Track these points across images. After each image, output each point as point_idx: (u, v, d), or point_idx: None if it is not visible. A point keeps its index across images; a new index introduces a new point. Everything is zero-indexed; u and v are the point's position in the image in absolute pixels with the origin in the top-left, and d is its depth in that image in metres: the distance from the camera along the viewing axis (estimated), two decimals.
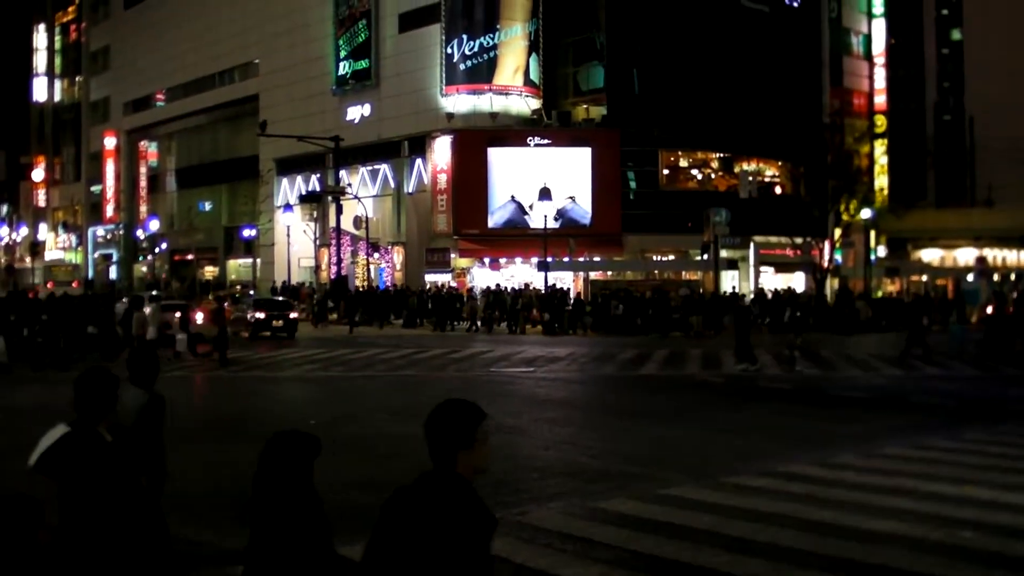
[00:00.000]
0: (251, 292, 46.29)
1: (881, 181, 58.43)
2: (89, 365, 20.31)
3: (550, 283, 42.33)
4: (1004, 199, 58.59)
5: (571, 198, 46.42)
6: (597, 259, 47.31)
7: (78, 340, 24.80)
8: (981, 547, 8.03)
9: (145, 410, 6.07)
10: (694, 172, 50.12)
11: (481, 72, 48.15)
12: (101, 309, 28.69)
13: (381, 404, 17.70)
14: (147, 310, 26.05)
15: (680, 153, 49.61)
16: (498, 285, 43.81)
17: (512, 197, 46.53)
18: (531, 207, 45.59)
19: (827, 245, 45.79)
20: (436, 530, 3.39)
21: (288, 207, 52.23)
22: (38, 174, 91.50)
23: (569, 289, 43.75)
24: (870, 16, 61.66)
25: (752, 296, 42.32)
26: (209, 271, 68.05)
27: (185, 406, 15.91)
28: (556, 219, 44.95)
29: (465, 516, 3.43)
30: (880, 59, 61.72)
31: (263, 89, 60.62)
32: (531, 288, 42.55)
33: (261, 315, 34.43)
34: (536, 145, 46.69)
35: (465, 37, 48.12)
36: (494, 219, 46.72)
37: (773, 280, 48.66)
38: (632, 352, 28.42)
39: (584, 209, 46.60)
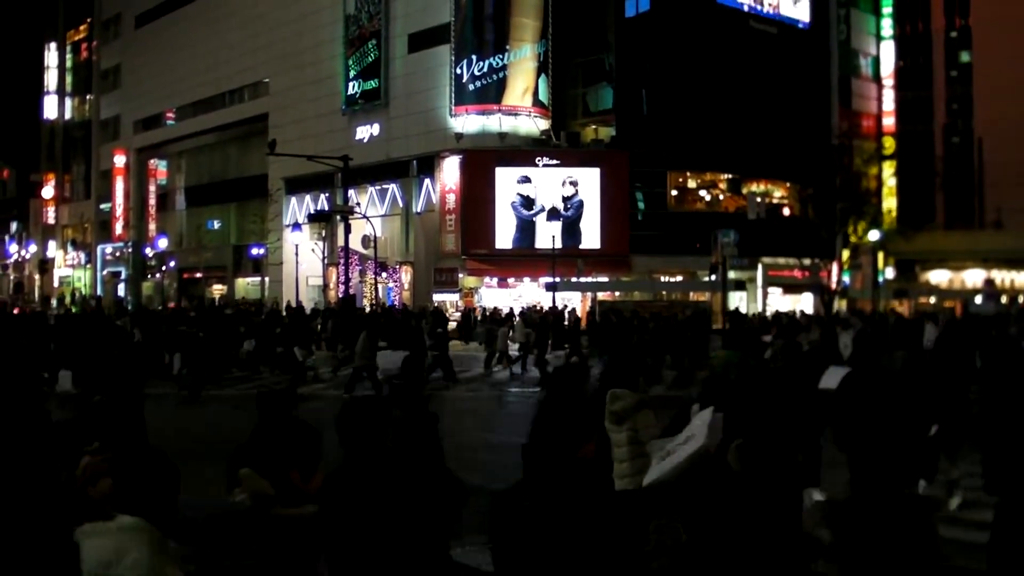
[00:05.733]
0: None
1: (889, 203, 58.34)
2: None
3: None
4: (1013, 221, 58.47)
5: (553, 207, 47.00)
6: (604, 279, 47.23)
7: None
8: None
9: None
10: (702, 193, 50.09)
11: (490, 92, 48.28)
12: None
13: None
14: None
15: (688, 174, 49.61)
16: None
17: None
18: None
19: (835, 266, 45.74)
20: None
21: (296, 226, 52.21)
22: (48, 192, 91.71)
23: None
24: (879, 38, 61.77)
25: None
26: (217, 289, 68.02)
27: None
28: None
29: None
30: (889, 81, 61.80)
31: (272, 108, 60.81)
32: (541, 309, 42.15)
33: None
34: (544, 165, 46.79)
35: (475, 57, 48.29)
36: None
37: (781, 302, 48.52)
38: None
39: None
